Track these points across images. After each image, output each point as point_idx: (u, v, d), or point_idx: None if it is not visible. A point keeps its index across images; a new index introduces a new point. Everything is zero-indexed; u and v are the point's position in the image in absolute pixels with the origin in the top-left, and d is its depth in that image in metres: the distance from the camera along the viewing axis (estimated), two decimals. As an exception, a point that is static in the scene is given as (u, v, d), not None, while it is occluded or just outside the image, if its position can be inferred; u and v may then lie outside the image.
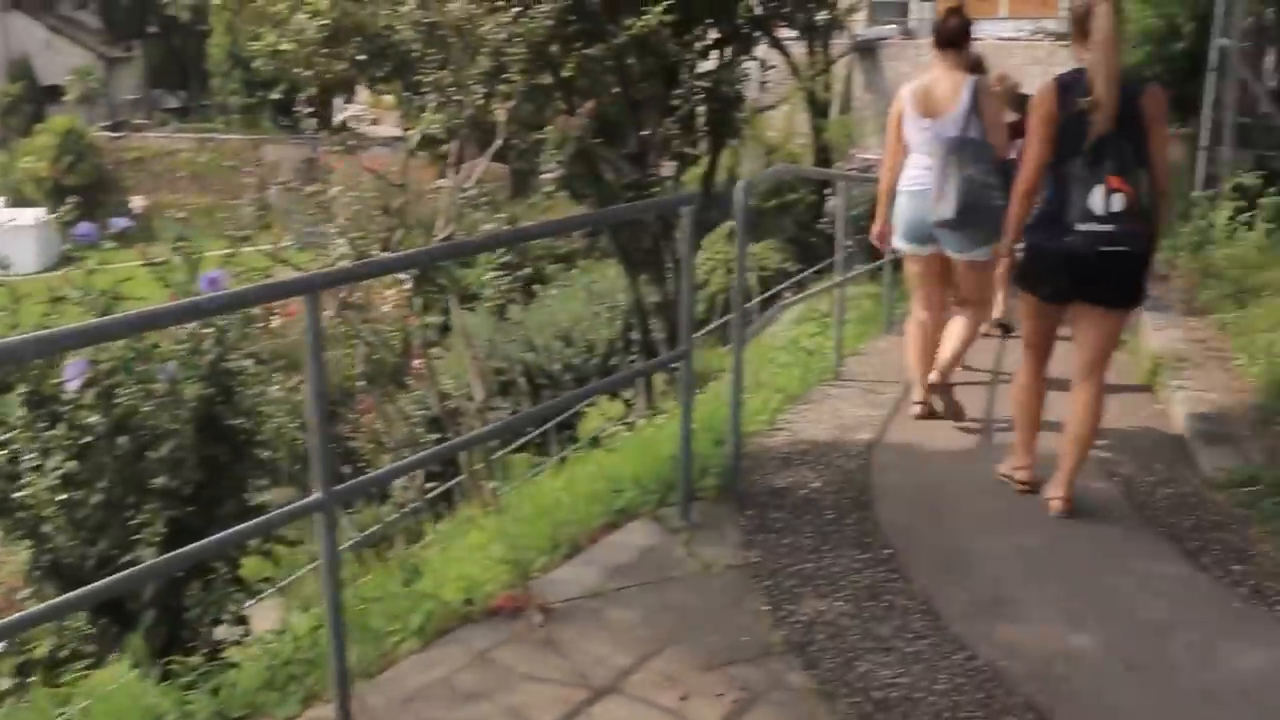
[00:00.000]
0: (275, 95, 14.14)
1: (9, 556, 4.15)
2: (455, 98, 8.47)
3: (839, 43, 28.99)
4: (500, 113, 8.32)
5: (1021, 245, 4.23)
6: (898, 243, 5.29)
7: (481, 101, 8.21)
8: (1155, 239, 4.09)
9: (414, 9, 8.50)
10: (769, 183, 10.93)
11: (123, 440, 3.92)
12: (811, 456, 4.94)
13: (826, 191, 16.54)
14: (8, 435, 3.98)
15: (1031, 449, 4.43)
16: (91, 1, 39.95)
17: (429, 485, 8.65)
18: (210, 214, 22.32)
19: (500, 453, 17.52)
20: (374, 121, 24.93)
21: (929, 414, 5.42)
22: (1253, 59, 11.44)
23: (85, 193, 25.49)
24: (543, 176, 9.20)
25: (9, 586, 4.25)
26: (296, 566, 7.06)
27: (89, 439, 3.92)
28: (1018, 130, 5.23)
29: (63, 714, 3.58)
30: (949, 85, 4.96)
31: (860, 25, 36.18)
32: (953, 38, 4.95)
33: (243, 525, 3.14)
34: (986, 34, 33.00)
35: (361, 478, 3.70)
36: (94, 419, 3.92)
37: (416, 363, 10.69)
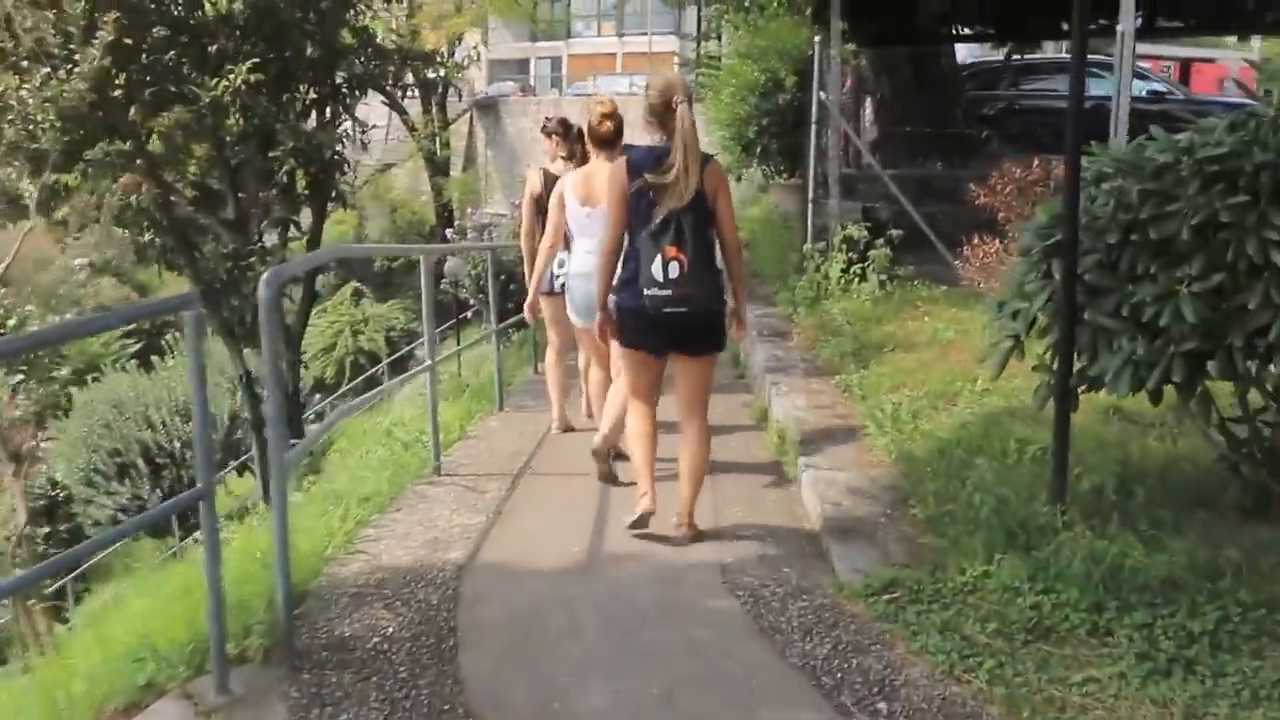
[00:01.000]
0: None
1: None
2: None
3: (456, 102, 29.22)
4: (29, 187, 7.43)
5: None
6: (572, 316, 5.76)
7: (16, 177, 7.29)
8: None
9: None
10: (308, 268, 10.00)
11: None
12: (390, 589, 4.10)
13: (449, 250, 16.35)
14: None
15: (650, 480, 4.51)
16: None
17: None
18: None
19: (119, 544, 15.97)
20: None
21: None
22: (853, 109, 12.09)
23: None
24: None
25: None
26: None
27: None
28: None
29: None
30: (604, 177, 5.21)
31: (480, 83, 36.74)
32: (608, 139, 5.44)
33: None
34: (605, 89, 34.56)
35: None
36: None
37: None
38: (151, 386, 16.07)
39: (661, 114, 4.25)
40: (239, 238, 11.31)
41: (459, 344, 10.52)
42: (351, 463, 5.68)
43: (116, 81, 8.32)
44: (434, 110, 25.94)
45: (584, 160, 5.92)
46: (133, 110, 8.70)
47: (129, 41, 8.68)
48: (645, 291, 4.23)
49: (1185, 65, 21.04)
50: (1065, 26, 11.57)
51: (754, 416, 6.58)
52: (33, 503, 13.43)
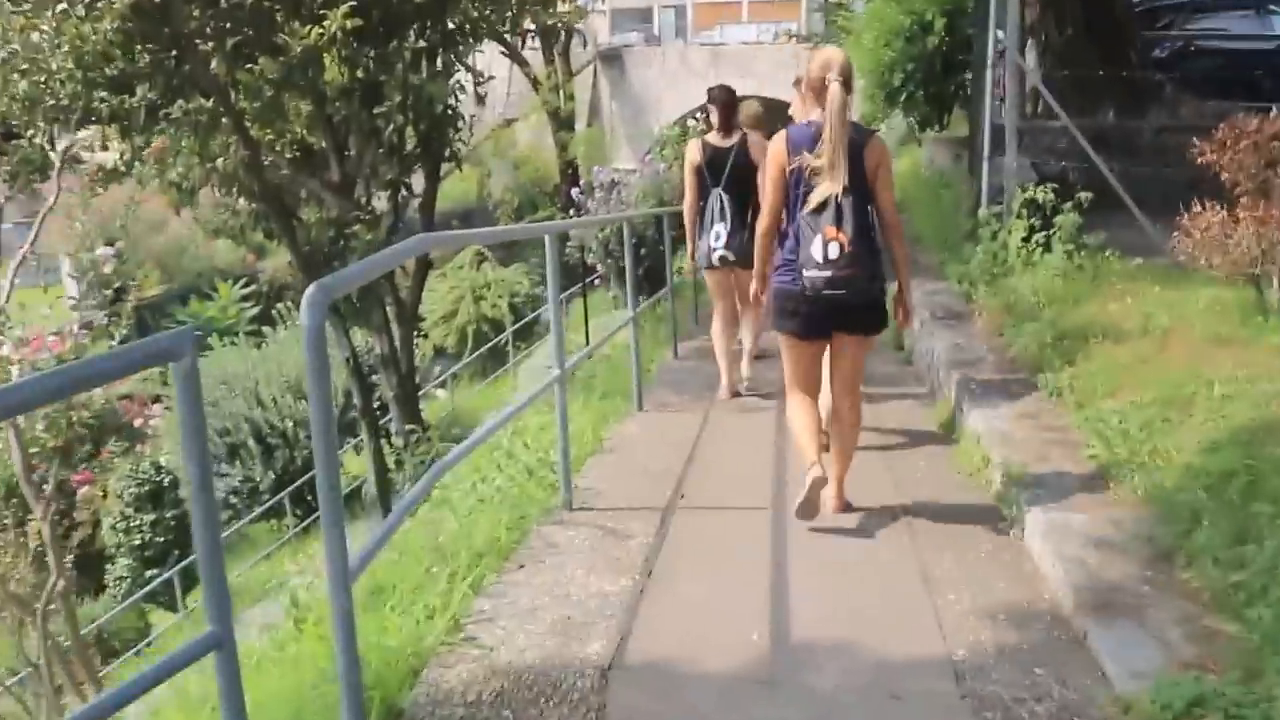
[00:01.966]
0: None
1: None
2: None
3: (580, 52, 27.98)
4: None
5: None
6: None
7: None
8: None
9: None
10: (367, 280, 8.91)
11: None
12: (513, 708, 3.02)
13: (571, 212, 15.21)
14: None
15: (818, 451, 4.31)
16: None
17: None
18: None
19: (237, 525, 15.44)
20: (104, 147, 22.26)
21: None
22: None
23: None
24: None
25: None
26: None
27: None
28: None
29: None
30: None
31: (603, 34, 35.46)
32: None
33: None
34: (731, 39, 32.84)
35: None
36: None
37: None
38: (261, 360, 15.30)
39: (819, 91, 4.14)
40: (344, 202, 10.30)
41: (585, 311, 9.41)
42: (449, 514, 4.51)
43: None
44: (556, 61, 24.79)
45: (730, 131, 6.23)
46: (214, 63, 7.63)
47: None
48: (805, 273, 4.14)
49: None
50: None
51: (939, 424, 5.75)
52: (137, 488, 12.84)
